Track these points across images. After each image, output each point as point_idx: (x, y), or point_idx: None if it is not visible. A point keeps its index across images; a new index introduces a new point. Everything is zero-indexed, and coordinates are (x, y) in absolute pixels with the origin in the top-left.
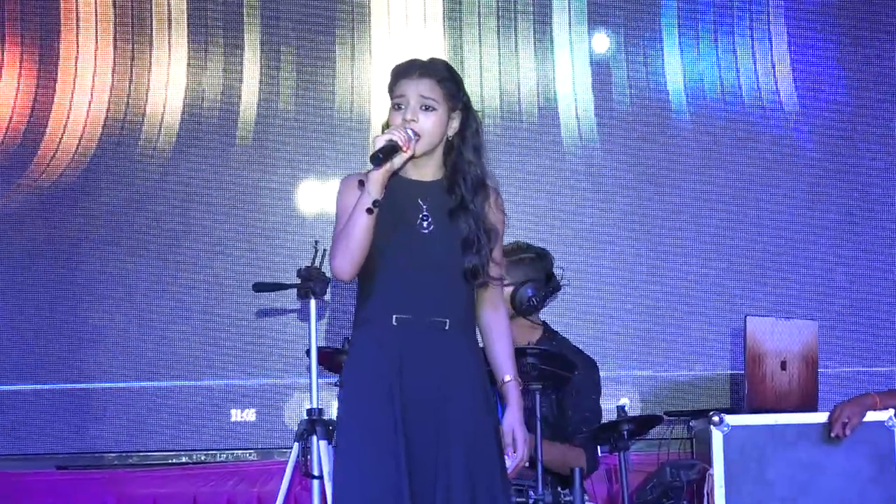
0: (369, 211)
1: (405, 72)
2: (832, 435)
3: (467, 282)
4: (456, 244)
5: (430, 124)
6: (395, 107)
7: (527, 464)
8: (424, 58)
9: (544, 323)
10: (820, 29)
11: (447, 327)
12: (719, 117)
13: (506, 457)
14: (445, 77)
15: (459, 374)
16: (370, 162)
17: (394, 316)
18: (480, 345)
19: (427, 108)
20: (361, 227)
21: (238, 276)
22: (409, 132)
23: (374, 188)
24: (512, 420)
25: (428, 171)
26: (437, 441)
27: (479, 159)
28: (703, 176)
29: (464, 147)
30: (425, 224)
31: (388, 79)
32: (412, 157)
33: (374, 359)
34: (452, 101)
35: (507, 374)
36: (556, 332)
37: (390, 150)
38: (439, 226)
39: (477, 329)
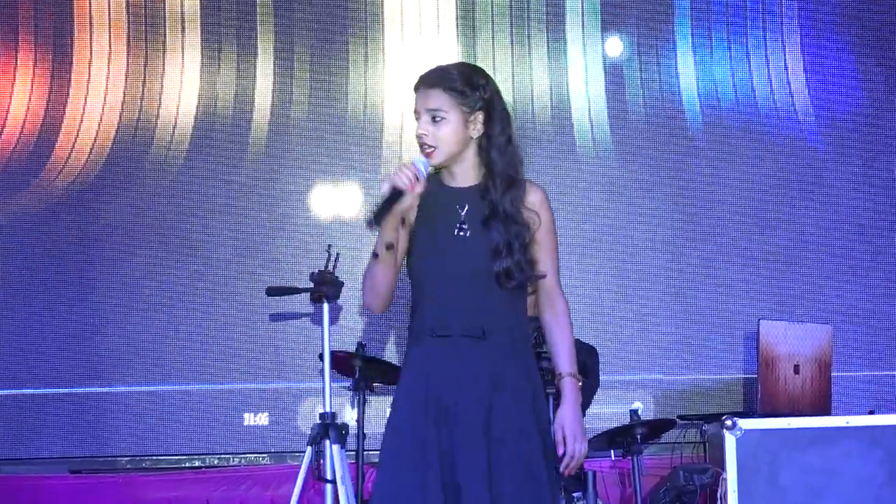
0: (375, 255)
1: (416, 85)
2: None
3: (502, 286)
4: (490, 249)
5: (443, 134)
6: (416, 119)
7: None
8: (440, 64)
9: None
10: (834, 33)
11: (483, 335)
12: (732, 121)
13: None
14: (454, 84)
15: (500, 382)
16: (368, 225)
17: (432, 329)
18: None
19: (437, 119)
20: (376, 271)
21: (251, 280)
22: (421, 167)
23: (384, 233)
24: (562, 417)
25: (463, 177)
26: (481, 450)
27: (508, 157)
28: (717, 179)
29: (490, 148)
30: (462, 231)
31: (402, 84)
32: (443, 167)
33: (415, 374)
34: (466, 105)
35: (561, 369)
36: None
37: (393, 198)
38: (475, 232)
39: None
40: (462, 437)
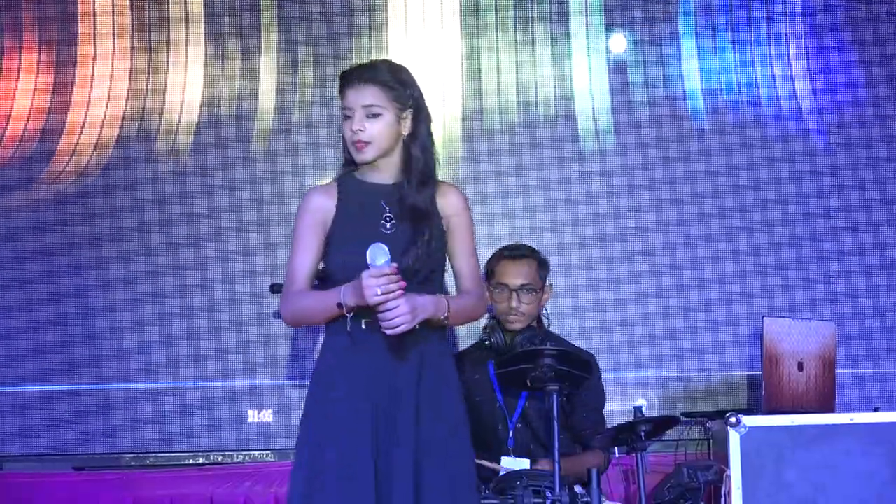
0: (340, 306)
1: (348, 81)
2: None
3: (410, 281)
4: (406, 245)
5: (377, 131)
6: (344, 117)
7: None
8: (366, 61)
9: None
10: (837, 28)
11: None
12: (736, 118)
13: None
14: (388, 80)
15: (430, 374)
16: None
17: (363, 321)
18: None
19: (373, 116)
20: (325, 316)
21: (255, 278)
22: (383, 261)
23: (355, 302)
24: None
25: (388, 173)
26: (398, 445)
27: (428, 155)
28: (721, 176)
29: (413, 146)
30: (388, 226)
31: None
32: (370, 163)
33: (345, 367)
34: (400, 103)
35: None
36: (554, 332)
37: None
38: (400, 227)
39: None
40: (390, 430)
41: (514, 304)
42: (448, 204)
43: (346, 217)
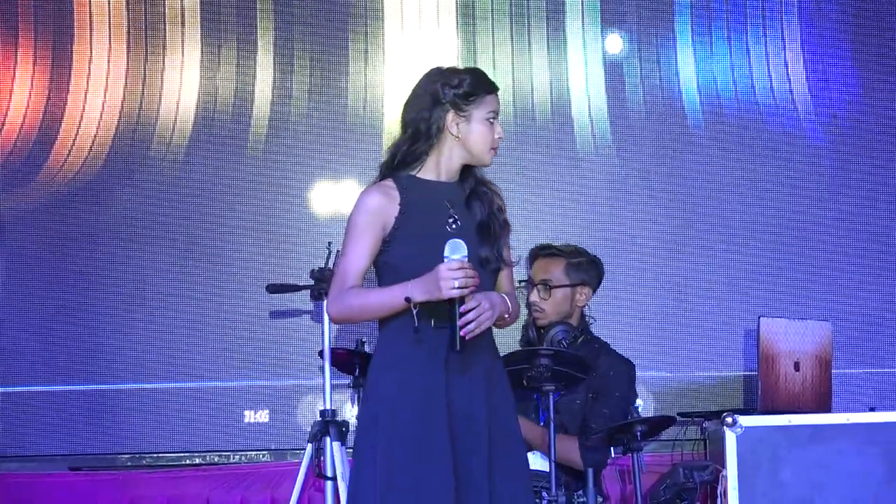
0: (407, 300)
1: (494, 88)
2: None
3: (485, 270)
4: (475, 234)
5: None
6: (489, 122)
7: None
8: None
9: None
10: (833, 28)
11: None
12: (733, 117)
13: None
14: None
15: (487, 372)
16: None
17: (432, 320)
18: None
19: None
20: (388, 311)
21: (251, 278)
22: (460, 254)
23: (425, 296)
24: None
25: (447, 174)
26: (474, 442)
27: None
28: (717, 176)
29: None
30: (453, 224)
31: (402, 79)
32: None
33: (419, 364)
34: None
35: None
36: (597, 336)
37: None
38: (465, 225)
39: None
40: (462, 432)
41: (532, 298)
42: (498, 204)
43: (411, 215)
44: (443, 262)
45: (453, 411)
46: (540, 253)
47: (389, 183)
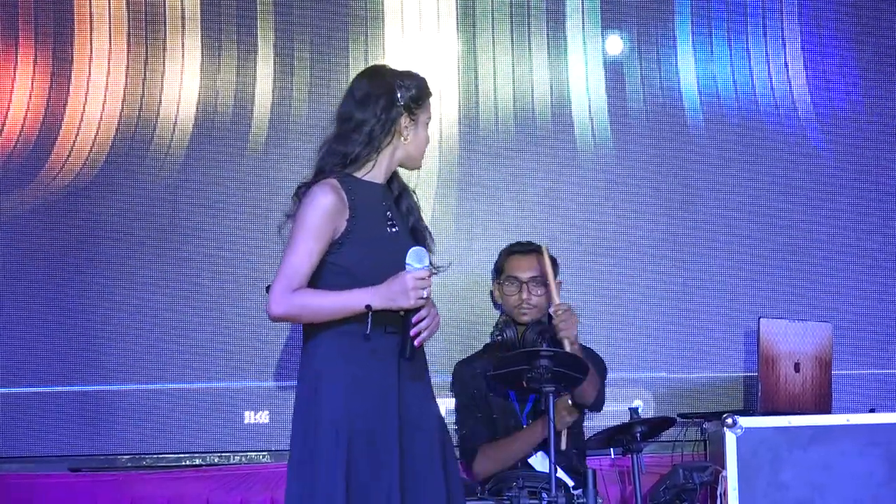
0: (369, 308)
1: (430, 94)
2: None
3: None
4: (409, 238)
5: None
6: (425, 124)
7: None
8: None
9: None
10: (833, 29)
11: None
12: (733, 118)
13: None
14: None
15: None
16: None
17: (385, 326)
18: None
19: None
20: (339, 316)
21: (251, 278)
22: (423, 262)
23: (386, 304)
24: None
25: (381, 175)
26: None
27: None
28: (717, 177)
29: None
30: (393, 228)
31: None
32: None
33: (372, 364)
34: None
35: None
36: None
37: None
38: (400, 228)
39: None
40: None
41: (524, 295)
42: (419, 207)
43: (360, 217)
44: (405, 269)
45: (404, 414)
46: (522, 249)
47: (336, 183)
